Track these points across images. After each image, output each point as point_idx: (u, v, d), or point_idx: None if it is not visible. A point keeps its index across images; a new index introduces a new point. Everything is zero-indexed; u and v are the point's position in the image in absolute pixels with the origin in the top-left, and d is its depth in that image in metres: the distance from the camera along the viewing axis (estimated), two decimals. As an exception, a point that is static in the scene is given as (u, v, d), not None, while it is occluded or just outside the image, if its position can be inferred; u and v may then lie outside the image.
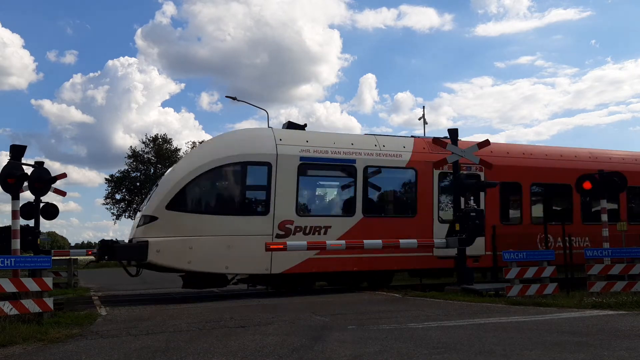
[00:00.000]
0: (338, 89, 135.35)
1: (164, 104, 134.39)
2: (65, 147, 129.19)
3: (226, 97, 42.40)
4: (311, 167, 15.61)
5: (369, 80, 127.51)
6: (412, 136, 18.03)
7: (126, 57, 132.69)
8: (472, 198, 15.25)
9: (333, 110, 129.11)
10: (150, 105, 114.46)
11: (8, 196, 11.23)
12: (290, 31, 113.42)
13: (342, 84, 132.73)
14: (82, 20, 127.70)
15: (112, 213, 62.61)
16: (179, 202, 14.29)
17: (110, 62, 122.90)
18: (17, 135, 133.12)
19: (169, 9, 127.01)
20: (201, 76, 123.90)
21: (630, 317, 9.48)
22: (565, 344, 7.06)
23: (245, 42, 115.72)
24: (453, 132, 15.85)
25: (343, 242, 14.97)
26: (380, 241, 15.05)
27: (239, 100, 37.37)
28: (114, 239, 15.30)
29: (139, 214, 15.43)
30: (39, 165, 13.25)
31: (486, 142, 16.05)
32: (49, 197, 18.32)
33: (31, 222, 17.98)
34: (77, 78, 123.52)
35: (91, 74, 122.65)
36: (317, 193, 17.18)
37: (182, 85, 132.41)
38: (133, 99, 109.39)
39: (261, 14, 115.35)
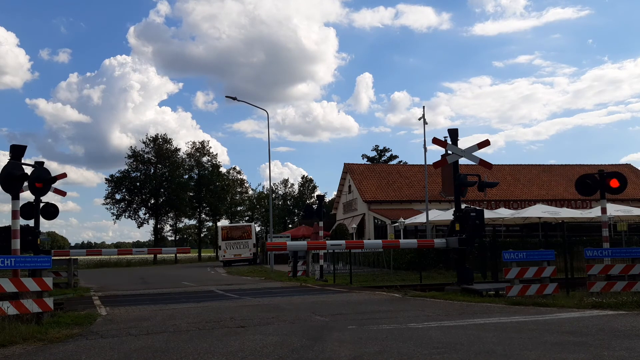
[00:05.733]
0: (335, 88, 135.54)
1: (161, 104, 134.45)
2: (63, 147, 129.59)
3: (226, 97, 42.35)
4: None
5: (366, 79, 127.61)
6: None
7: (123, 55, 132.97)
8: None
9: (330, 109, 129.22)
10: (146, 105, 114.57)
11: (8, 196, 11.21)
12: (285, 29, 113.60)
13: (339, 83, 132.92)
14: (75, 18, 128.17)
15: (112, 213, 62.71)
16: None
17: (106, 62, 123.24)
18: (14, 135, 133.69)
19: (164, 8, 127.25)
20: (196, 75, 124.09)
21: (630, 317, 9.47)
22: (565, 344, 7.06)
23: (241, 40, 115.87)
24: (453, 132, 15.86)
25: (343, 242, 15.00)
26: (380, 241, 15.13)
27: (239, 101, 37.34)
28: None
29: None
30: (39, 165, 13.25)
31: (486, 142, 16.05)
32: (49, 197, 18.35)
33: (31, 222, 17.99)
34: (73, 77, 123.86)
35: (88, 74, 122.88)
36: None
37: (180, 84, 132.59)
38: (129, 98, 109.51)
39: (255, 12, 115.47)
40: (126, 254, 23.95)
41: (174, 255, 73.88)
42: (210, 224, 75.37)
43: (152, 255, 63.82)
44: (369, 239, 43.15)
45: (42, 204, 18.42)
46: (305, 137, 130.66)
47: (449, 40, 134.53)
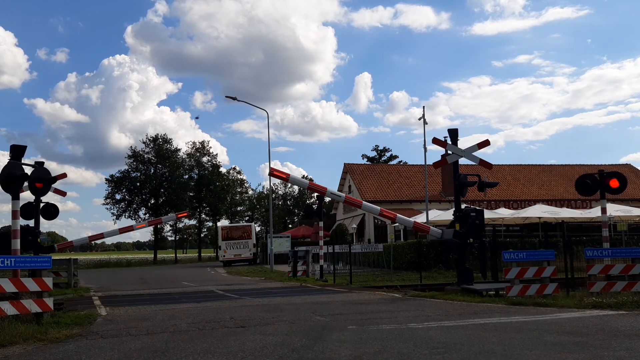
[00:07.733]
0: (333, 87, 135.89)
1: (160, 104, 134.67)
2: (61, 147, 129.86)
3: (226, 97, 42.32)
4: None
5: (365, 79, 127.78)
6: None
7: (122, 55, 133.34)
8: None
9: (329, 109, 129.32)
10: (145, 105, 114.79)
11: (8, 196, 11.22)
12: (283, 29, 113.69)
13: (338, 83, 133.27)
14: (73, 17, 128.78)
15: (112, 213, 62.64)
16: None
17: (105, 61, 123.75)
18: (13, 135, 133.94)
19: (161, 7, 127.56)
20: (195, 75, 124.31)
21: (630, 317, 9.47)
22: (565, 344, 7.06)
23: (239, 40, 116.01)
24: (453, 132, 15.85)
25: (343, 194, 15.79)
26: (378, 208, 17.06)
27: (239, 100, 37.32)
28: None
29: None
30: (39, 165, 13.25)
31: (486, 142, 16.03)
32: (49, 197, 18.33)
33: (31, 222, 17.99)
34: (72, 77, 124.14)
35: (87, 74, 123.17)
36: None
37: (179, 84, 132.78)
38: (128, 98, 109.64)
39: (253, 11, 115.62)
40: (128, 230, 25.60)
41: (173, 255, 74.02)
42: (210, 224, 75.44)
43: (152, 256, 63.85)
44: (369, 239, 43.24)
45: (42, 204, 18.41)
46: (304, 137, 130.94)
47: (448, 39, 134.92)
